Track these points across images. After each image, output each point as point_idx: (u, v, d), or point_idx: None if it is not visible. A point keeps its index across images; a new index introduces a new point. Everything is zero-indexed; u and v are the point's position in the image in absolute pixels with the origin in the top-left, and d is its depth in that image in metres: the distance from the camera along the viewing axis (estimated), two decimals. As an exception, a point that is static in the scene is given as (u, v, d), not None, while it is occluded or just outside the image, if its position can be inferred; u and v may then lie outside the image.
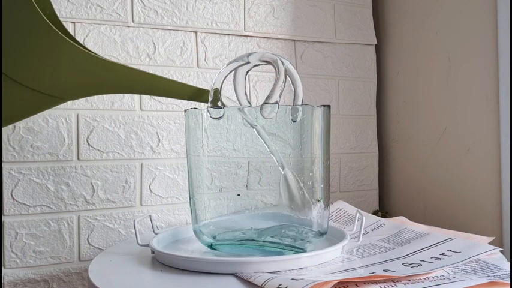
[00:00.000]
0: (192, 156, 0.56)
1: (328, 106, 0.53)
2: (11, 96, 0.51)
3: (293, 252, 0.51)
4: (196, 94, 0.60)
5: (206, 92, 0.59)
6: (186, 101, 0.75)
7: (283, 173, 0.52)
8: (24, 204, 0.66)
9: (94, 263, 0.53)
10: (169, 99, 0.74)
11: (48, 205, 0.67)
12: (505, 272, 0.44)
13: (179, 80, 0.75)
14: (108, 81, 0.55)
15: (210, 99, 0.54)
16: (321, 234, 0.53)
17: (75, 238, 0.69)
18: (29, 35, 0.48)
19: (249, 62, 0.54)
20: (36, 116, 0.67)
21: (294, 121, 0.51)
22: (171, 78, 0.74)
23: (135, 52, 0.73)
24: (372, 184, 0.91)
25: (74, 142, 0.69)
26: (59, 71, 0.52)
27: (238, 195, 0.54)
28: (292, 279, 0.41)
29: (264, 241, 0.52)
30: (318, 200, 0.53)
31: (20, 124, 0.66)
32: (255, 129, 0.52)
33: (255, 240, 0.53)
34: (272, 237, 0.52)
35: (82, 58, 0.51)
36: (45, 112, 0.67)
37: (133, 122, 0.72)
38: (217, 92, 0.54)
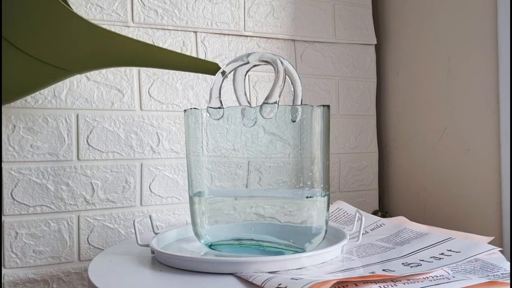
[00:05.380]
0: (192, 156, 0.56)
1: (328, 106, 0.53)
2: (16, 65, 0.51)
3: (292, 252, 0.51)
4: (201, 66, 0.59)
5: (210, 63, 0.58)
6: (186, 101, 0.76)
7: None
8: (24, 204, 0.66)
9: (94, 263, 0.53)
10: (169, 98, 0.74)
11: (48, 205, 0.68)
12: (504, 272, 0.44)
13: (179, 81, 0.75)
14: (109, 51, 0.55)
15: (209, 99, 0.54)
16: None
17: (75, 238, 0.69)
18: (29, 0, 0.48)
19: (248, 62, 0.54)
20: (36, 116, 0.67)
21: (294, 121, 0.51)
22: (171, 77, 0.75)
23: (135, 52, 0.73)
24: (371, 184, 0.91)
25: (74, 142, 0.69)
26: (59, 39, 0.52)
27: (238, 195, 0.54)
28: (292, 278, 0.41)
29: (263, 241, 0.52)
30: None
31: (20, 124, 0.66)
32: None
33: (254, 240, 0.53)
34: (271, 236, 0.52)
35: (81, 26, 0.50)
36: (45, 112, 0.67)
37: (133, 122, 0.72)
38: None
